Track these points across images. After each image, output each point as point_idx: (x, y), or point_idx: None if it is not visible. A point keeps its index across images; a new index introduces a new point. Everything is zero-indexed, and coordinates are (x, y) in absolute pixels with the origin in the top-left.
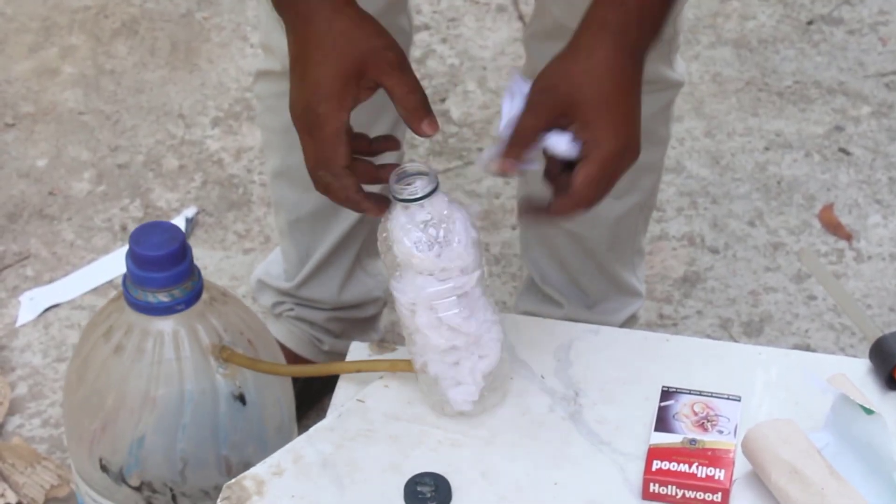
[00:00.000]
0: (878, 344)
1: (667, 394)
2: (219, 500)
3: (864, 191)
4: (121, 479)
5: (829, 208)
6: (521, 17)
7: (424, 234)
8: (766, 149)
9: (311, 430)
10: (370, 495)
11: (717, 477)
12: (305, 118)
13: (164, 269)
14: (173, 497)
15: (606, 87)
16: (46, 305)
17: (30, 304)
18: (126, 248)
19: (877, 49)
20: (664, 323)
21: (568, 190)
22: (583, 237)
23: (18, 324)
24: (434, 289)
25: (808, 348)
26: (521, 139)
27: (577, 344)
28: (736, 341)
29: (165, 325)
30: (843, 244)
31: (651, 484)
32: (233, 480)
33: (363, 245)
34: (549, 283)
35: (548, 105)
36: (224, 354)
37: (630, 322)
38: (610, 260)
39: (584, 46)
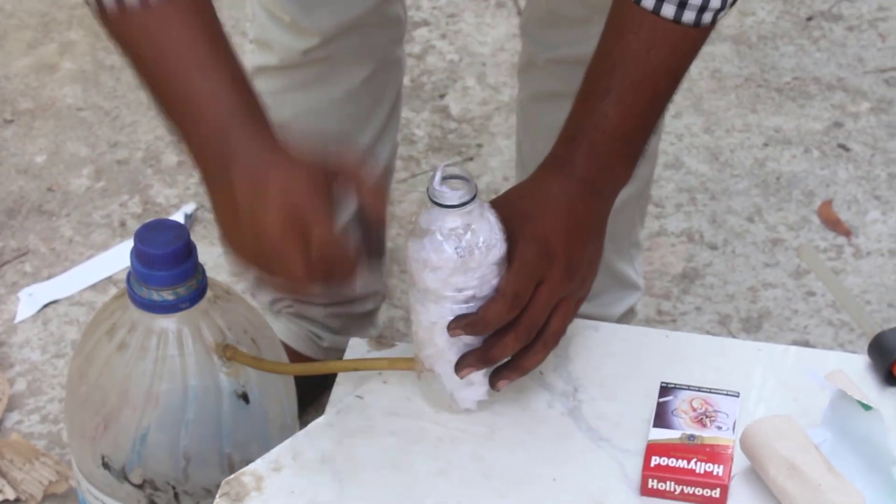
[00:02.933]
0: (877, 340)
1: (665, 389)
2: (218, 496)
3: (863, 187)
4: (123, 476)
5: (828, 204)
6: (520, 13)
7: (462, 241)
8: (766, 145)
9: (311, 426)
10: (369, 491)
11: (715, 473)
12: (290, 230)
13: (168, 268)
14: (175, 495)
15: (547, 208)
16: (45, 301)
17: (28, 301)
18: (125, 243)
19: (876, 45)
20: (663, 319)
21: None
22: None
23: (17, 320)
24: (458, 310)
25: (806, 344)
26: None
27: (576, 340)
28: (735, 337)
29: (169, 322)
30: (842, 240)
31: (650, 480)
32: (231, 476)
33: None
34: None
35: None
36: (228, 353)
37: (628, 316)
38: (608, 252)
39: (536, 177)
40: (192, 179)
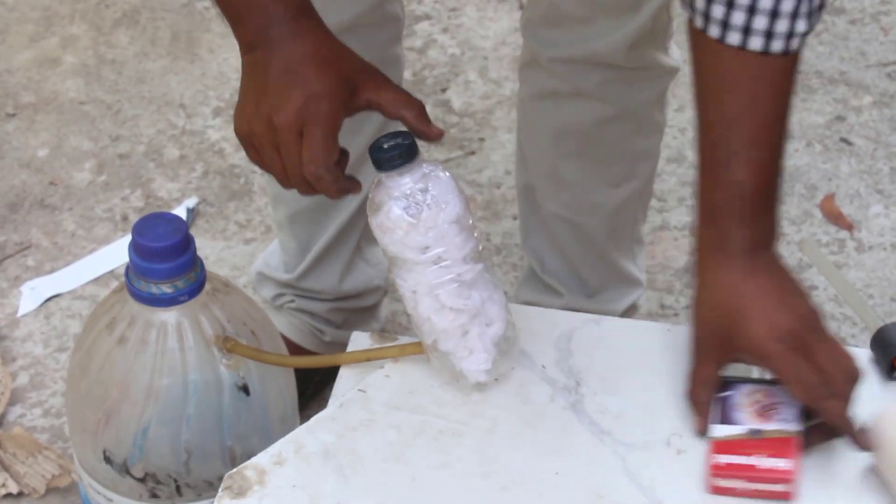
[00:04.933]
0: (880, 334)
1: (726, 384)
2: (220, 490)
3: (866, 181)
4: (125, 470)
5: (830, 198)
6: (521, 7)
7: (411, 199)
8: None
9: (313, 419)
10: (371, 485)
11: (782, 467)
12: (295, 120)
13: (167, 260)
14: (177, 488)
15: (758, 309)
16: (48, 295)
17: (31, 294)
18: (127, 237)
19: (878, 39)
20: (665, 313)
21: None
22: (582, 226)
23: (20, 314)
24: (433, 274)
25: None
26: (703, 395)
27: (578, 334)
28: None
29: (169, 316)
30: (844, 234)
31: (717, 478)
32: (234, 470)
33: (363, 234)
34: (549, 272)
35: (714, 346)
36: (228, 345)
37: (631, 312)
38: (609, 248)
39: (710, 272)
40: (195, 174)
